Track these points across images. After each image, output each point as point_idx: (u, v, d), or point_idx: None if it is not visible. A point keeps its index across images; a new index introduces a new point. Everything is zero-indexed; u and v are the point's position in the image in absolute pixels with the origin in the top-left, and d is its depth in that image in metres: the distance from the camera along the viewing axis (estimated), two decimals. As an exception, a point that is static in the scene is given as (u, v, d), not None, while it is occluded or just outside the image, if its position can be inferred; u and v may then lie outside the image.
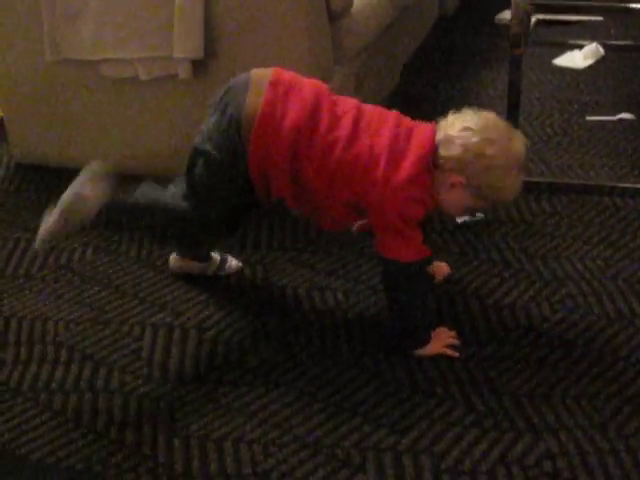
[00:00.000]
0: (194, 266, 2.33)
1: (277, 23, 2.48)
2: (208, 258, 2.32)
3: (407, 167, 1.93)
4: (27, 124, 2.90)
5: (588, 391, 1.93)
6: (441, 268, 2.32)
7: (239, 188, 2.04)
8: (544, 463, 1.75)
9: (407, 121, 2.02)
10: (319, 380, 1.98)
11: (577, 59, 3.76)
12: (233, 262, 2.36)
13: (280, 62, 2.47)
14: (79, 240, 2.49)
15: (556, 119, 3.20)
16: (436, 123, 1.99)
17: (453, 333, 2.09)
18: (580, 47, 3.84)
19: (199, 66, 2.56)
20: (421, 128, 1.99)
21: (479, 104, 3.27)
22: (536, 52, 3.80)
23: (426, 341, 2.05)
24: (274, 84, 1.99)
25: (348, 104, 2.03)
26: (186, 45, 2.48)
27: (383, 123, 1.99)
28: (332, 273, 2.34)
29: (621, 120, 3.18)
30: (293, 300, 2.24)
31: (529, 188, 2.67)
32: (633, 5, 2.60)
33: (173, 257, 2.35)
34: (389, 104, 3.17)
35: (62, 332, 2.15)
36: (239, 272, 2.35)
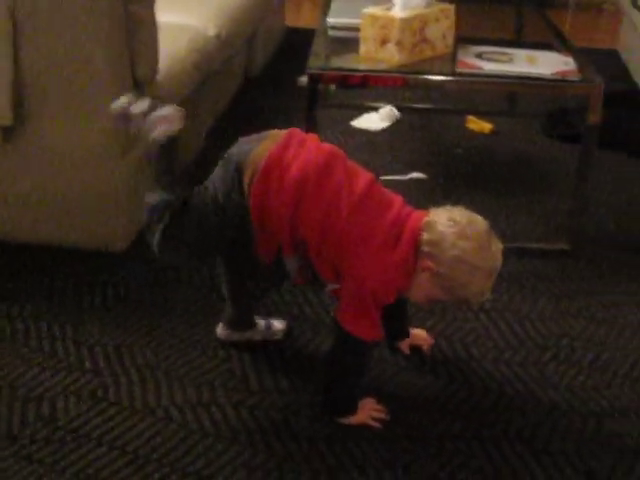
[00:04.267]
0: (241, 335, 2.39)
1: (83, 90, 2.57)
2: (253, 325, 2.39)
3: (400, 252, 1.99)
4: None
5: (381, 433, 2.10)
6: (422, 337, 2.42)
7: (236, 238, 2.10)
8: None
9: (408, 208, 2.08)
10: (130, 433, 2.06)
11: (374, 121, 3.99)
12: (277, 324, 2.44)
13: (86, 126, 2.59)
14: None
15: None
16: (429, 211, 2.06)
17: (380, 407, 2.17)
18: (376, 109, 4.08)
19: (8, 133, 2.61)
20: (417, 214, 2.05)
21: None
22: (334, 114, 4.02)
23: (352, 412, 2.13)
24: (289, 136, 2.06)
25: (364, 175, 2.07)
26: (-6, 111, 2.54)
27: (389, 206, 2.04)
28: (141, 329, 2.44)
29: (412, 179, 3.41)
30: (103, 358, 2.32)
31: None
32: (429, 77, 2.80)
33: (220, 328, 2.40)
34: (196, 166, 3.32)
35: None
36: (286, 333, 2.44)
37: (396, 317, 2.33)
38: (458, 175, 3.51)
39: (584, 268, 2.86)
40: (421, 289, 2.05)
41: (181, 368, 2.28)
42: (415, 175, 3.45)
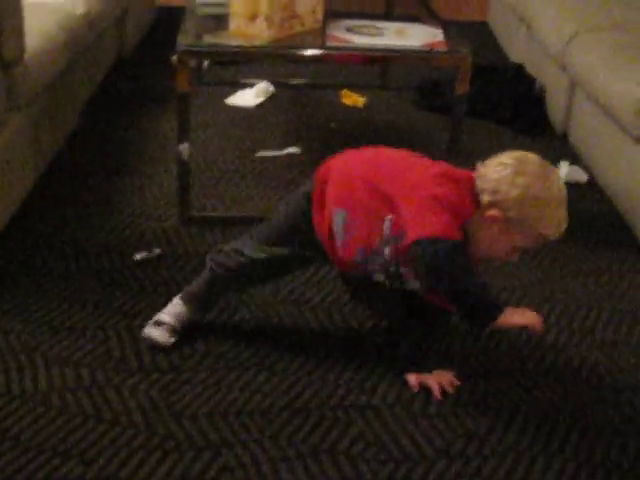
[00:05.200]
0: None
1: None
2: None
3: (451, 189, 2.00)
4: None
5: (260, 406, 2.11)
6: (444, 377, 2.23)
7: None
8: (223, 476, 1.90)
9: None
10: (10, 420, 2.02)
11: (248, 97, 3.99)
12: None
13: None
14: None
15: (229, 156, 3.40)
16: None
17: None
18: (251, 85, 4.08)
19: None
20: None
21: (156, 144, 3.45)
22: (209, 91, 4.01)
23: (498, 309, 1.94)
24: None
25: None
26: None
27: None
28: (17, 314, 2.40)
29: (288, 154, 3.43)
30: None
31: (203, 222, 2.86)
32: (299, 51, 2.81)
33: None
34: (70, 147, 3.29)
35: None
36: None
37: (415, 337, 2.25)
38: (333, 149, 3.47)
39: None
40: (498, 243, 2.02)
41: (59, 352, 2.25)
42: (290, 150, 3.47)
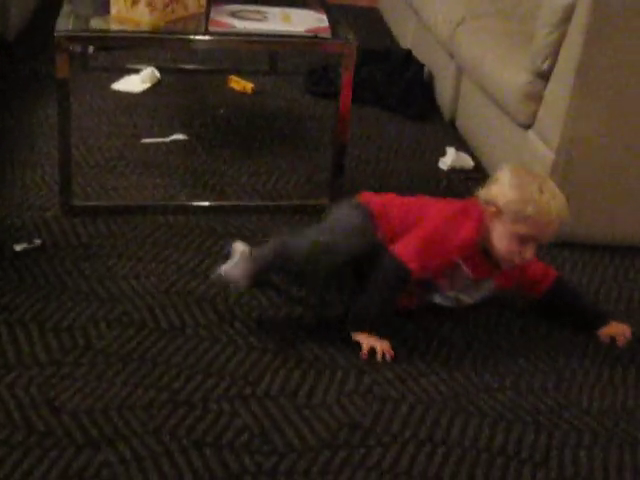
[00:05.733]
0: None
1: None
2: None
3: (460, 205, 2.45)
4: None
5: (142, 400, 2.07)
6: (619, 329, 2.54)
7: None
8: (103, 473, 1.85)
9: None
10: None
11: (134, 83, 3.91)
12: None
13: None
14: None
15: (113, 143, 3.33)
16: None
17: (389, 349, 2.33)
18: (137, 71, 4.01)
19: None
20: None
21: (39, 131, 3.36)
22: (95, 77, 3.92)
23: (372, 329, 2.34)
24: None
25: None
26: None
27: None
28: None
29: (174, 141, 3.38)
30: None
31: (87, 211, 2.80)
32: (180, 36, 2.76)
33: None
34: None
35: None
36: None
37: (578, 310, 2.59)
38: (220, 135, 3.50)
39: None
40: (504, 237, 2.34)
41: None
42: (177, 137, 3.42)
